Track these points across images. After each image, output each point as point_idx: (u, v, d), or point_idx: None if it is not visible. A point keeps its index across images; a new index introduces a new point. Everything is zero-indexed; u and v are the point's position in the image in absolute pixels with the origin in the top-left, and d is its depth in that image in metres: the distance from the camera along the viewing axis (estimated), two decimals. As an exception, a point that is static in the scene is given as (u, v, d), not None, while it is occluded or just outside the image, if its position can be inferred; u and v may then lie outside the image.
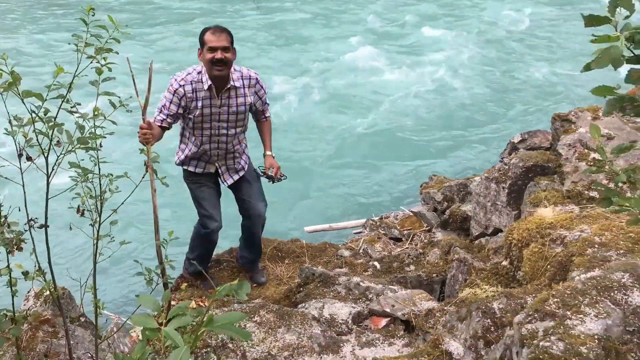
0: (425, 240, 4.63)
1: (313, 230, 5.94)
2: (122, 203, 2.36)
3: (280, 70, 10.77)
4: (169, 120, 3.56)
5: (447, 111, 9.30)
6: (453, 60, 11.15)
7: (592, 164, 3.20)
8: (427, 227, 4.95)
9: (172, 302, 3.56)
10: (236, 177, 3.90)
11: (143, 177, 2.32)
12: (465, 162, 7.83)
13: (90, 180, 2.26)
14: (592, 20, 1.51)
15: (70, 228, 2.59)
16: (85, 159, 2.15)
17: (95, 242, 2.36)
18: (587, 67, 1.60)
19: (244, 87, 3.64)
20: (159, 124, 3.52)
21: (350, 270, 4.19)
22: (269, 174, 3.84)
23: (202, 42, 3.49)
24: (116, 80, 2.07)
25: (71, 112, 2.13)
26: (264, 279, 4.19)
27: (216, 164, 3.82)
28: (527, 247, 3.09)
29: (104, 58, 1.98)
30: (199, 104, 3.55)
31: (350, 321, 3.41)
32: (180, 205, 5.96)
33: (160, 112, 3.57)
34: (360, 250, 4.69)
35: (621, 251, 2.44)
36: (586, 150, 3.23)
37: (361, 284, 3.72)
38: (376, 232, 5.06)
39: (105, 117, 2.11)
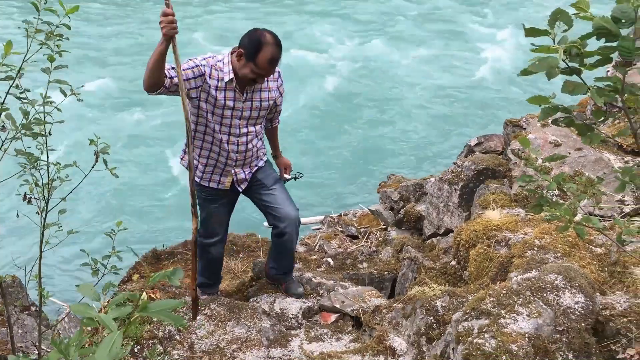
0: (380, 239, 4.71)
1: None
2: (71, 192, 2.35)
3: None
4: (174, 78, 2.84)
5: (412, 112, 9.43)
6: (419, 60, 11.30)
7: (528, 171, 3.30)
8: (383, 225, 5.02)
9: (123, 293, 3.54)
10: (249, 173, 3.36)
11: (92, 167, 2.31)
12: (428, 162, 7.98)
13: (38, 168, 2.24)
14: (531, 32, 1.58)
15: (17, 215, 2.56)
16: (32, 147, 2.13)
17: (42, 231, 2.34)
18: (524, 72, 1.67)
19: (268, 81, 3.17)
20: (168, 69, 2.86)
21: (304, 266, 4.23)
22: (286, 176, 3.60)
23: (253, 59, 2.92)
24: (69, 68, 2.06)
25: (19, 98, 2.11)
26: (301, 289, 3.68)
27: (233, 171, 3.29)
28: (473, 248, 3.18)
29: (57, 45, 1.96)
30: (220, 94, 3.03)
31: (300, 316, 3.46)
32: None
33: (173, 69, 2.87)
34: (316, 247, 4.74)
35: (558, 254, 2.54)
36: (533, 156, 3.33)
37: (313, 279, 3.76)
38: (334, 229, 5.12)
39: (54, 106, 2.09)
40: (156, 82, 2.79)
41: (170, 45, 2.61)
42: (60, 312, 4.27)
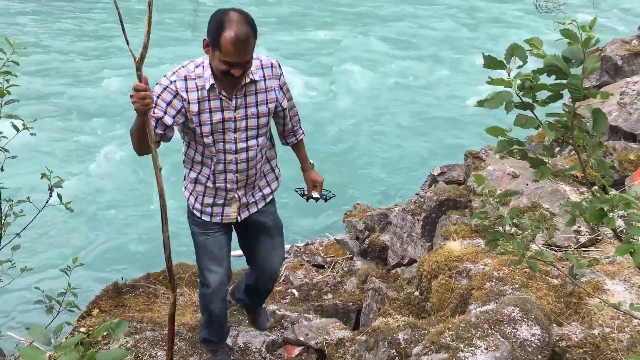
0: (345, 269, 4.70)
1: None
2: (24, 228, 2.30)
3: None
4: (157, 130, 2.51)
5: (379, 137, 9.53)
6: (382, 81, 11.46)
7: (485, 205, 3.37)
8: (349, 254, 5.03)
9: (82, 329, 3.45)
10: (254, 209, 2.89)
11: (46, 203, 2.27)
12: (394, 191, 8.04)
13: (-10, 204, 2.20)
14: (489, 62, 1.62)
15: (-30, 251, 2.50)
16: (-16, 183, 2.09)
17: (-6, 267, 2.29)
18: (480, 104, 1.71)
19: (264, 79, 2.63)
20: None
21: (269, 298, 4.19)
22: (314, 195, 3.02)
23: (216, 44, 2.36)
24: (19, 102, 2.04)
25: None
26: (269, 323, 3.49)
27: (236, 195, 2.78)
28: (435, 279, 3.20)
29: (6, 80, 1.95)
30: (204, 106, 2.52)
31: (264, 350, 3.41)
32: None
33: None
34: (282, 278, 4.71)
35: (516, 285, 2.58)
36: (489, 192, 3.39)
37: (277, 312, 3.73)
38: (300, 259, 5.10)
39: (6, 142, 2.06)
40: (147, 150, 2.39)
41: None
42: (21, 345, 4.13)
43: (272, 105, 2.67)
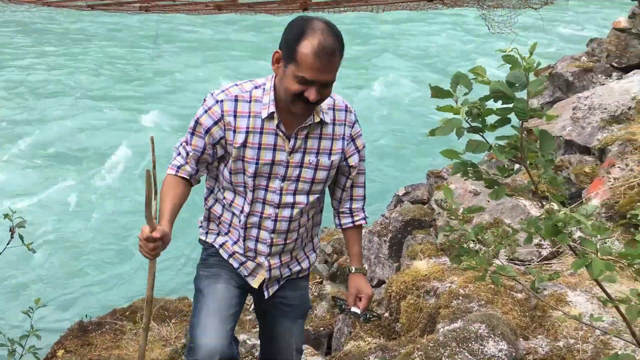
0: (315, 293, 4.70)
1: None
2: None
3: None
4: (190, 168, 2.06)
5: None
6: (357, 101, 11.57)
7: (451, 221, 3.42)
8: (318, 279, 5.02)
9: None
10: (287, 272, 2.27)
11: (7, 245, 2.23)
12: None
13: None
14: (436, 92, 1.68)
15: None
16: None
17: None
18: (432, 133, 1.76)
19: (334, 124, 2.09)
20: (175, 173, 2.06)
21: (239, 327, 4.15)
22: (353, 310, 2.22)
23: (292, 56, 1.86)
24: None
25: None
26: None
27: (266, 263, 2.18)
28: (404, 299, 3.23)
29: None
30: (252, 140, 2.00)
31: (236, 381, 3.37)
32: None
33: (178, 154, 2.09)
34: (251, 307, 4.67)
35: (482, 302, 2.62)
36: (454, 207, 3.45)
37: (248, 341, 3.69)
38: (269, 286, 5.08)
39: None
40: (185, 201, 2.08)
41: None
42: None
43: (336, 158, 2.09)
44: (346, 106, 2.14)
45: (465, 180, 3.80)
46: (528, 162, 1.72)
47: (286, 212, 2.09)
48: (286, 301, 2.29)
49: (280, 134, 2.00)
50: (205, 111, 2.00)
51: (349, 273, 2.27)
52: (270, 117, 1.98)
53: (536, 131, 1.60)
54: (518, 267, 3.05)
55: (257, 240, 2.13)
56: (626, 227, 3.25)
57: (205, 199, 2.22)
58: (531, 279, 2.31)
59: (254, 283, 2.20)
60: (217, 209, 2.19)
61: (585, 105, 4.60)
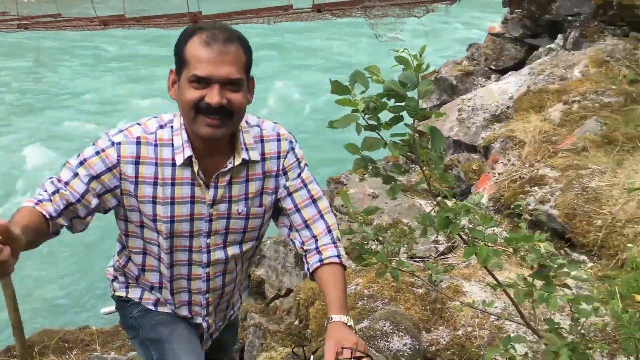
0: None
1: (109, 311, 5.60)
2: None
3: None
4: (53, 207, 1.54)
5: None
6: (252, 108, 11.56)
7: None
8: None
9: None
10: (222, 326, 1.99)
11: None
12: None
13: None
14: (336, 87, 1.73)
15: None
16: None
17: None
18: (331, 125, 1.81)
19: (264, 160, 1.72)
20: (34, 205, 1.53)
21: (147, 351, 4.02)
22: None
23: (182, 61, 1.56)
24: None
25: None
26: None
27: (204, 324, 1.87)
28: (312, 305, 3.27)
29: None
30: (163, 194, 1.63)
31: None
32: None
33: (44, 190, 1.58)
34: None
35: (386, 300, 2.71)
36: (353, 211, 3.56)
37: (157, 364, 3.59)
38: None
39: None
40: (40, 241, 1.54)
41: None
42: None
43: (268, 202, 1.73)
44: (278, 135, 1.72)
45: (362, 178, 3.93)
46: (420, 159, 1.82)
47: (218, 268, 1.74)
48: (221, 342, 2.08)
49: (200, 182, 1.62)
50: (97, 153, 1.58)
51: (329, 322, 1.67)
52: (186, 163, 1.59)
53: (425, 127, 1.69)
54: (418, 263, 3.19)
55: (189, 305, 1.80)
56: (512, 219, 3.50)
57: (118, 254, 1.85)
58: (429, 273, 2.43)
59: (197, 319, 1.88)
60: (133, 269, 1.82)
61: (469, 106, 4.90)
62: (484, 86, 5.44)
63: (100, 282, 6.38)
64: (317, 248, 1.74)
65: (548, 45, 5.33)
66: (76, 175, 1.59)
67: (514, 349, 1.79)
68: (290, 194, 1.76)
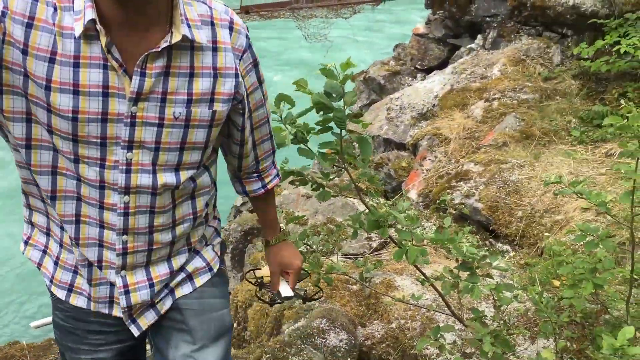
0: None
1: (41, 324, 5.41)
2: None
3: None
4: None
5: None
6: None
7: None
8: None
9: None
10: (168, 302, 1.38)
11: None
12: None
13: None
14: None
15: None
16: None
17: None
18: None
19: (216, 49, 1.25)
20: None
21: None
22: (283, 292, 1.61)
23: None
24: None
25: None
26: None
27: (119, 281, 1.30)
28: (250, 307, 3.30)
29: None
30: (63, 75, 1.13)
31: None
32: None
33: None
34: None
35: (322, 298, 2.78)
36: (291, 211, 3.62)
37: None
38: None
39: None
40: None
41: None
42: None
43: (221, 107, 1.27)
44: (231, 21, 1.27)
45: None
46: (348, 163, 1.90)
47: (144, 200, 1.25)
48: (179, 322, 1.40)
49: (114, 64, 1.14)
50: None
51: (266, 247, 1.60)
52: (89, 32, 1.12)
53: (354, 137, 1.76)
54: (352, 260, 3.28)
55: (100, 245, 1.28)
56: (440, 213, 3.65)
57: (25, 201, 1.35)
58: (362, 271, 2.52)
59: (115, 312, 1.34)
60: (33, 201, 1.33)
61: (397, 105, 5.05)
62: (410, 85, 5.61)
63: (27, 290, 6.15)
64: (258, 174, 1.53)
65: (469, 45, 5.56)
66: None
67: (444, 338, 1.89)
68: (249, 114, 1.38)
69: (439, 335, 1.83)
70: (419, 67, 6.10)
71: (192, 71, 1.22)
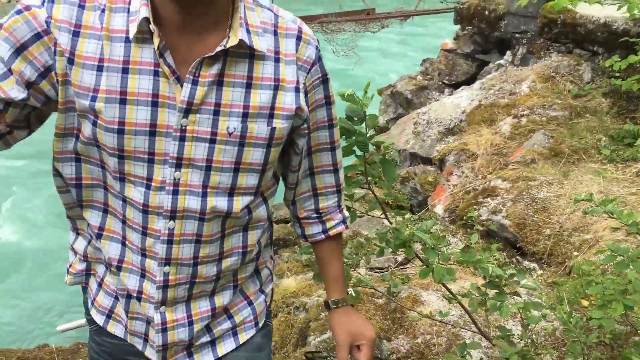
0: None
1: (67, 328, 5.51)
2: None
3: None
4: None
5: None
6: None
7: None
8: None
9: None
10: (208, 357, 1.25)
11: None
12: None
13: None
14: None
15: None
16: None
17: None
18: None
19: (277, 60, 1.11)
20: None
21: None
22: None
23: None
24: None
25: None
26: None
27: (157, 317, 1.17)
28: (275, 318, 3.33)
29: None
30: (108, 83, 1.03)
31: None
32: None
33: None
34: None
35: (348, 311, 2.80)
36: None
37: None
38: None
39: None
40: None
41: None
42: None
43: (282, 124, 1.12)
44: (300, 30, 1.14)
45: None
46: (372, 188, 1.91)
47: (191, 227, 1.12)
48: None
49: (165, 70, 1.04)
50: (20, 12, 1.01)
51: (329, 310, 1.37)
52: (144, 36, 1.02)
53: (377, 157, 1.77)
54: (377, 274, 3.29)
55: (142, 275, 1.16)
56: (466, 229, 3.64)
57: (72, 226, 1.27)
58: (388, 285, 2.53)
59: (148, 353, 1.23)
60: (77, 223, 1.25)
61: (424, 119, 5.07)
62: (437, 100, 5.62)
63: (58, 297, 6.26)
64: (319, 214, 1.31)
65: (497, 61, 5.56)
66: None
67: (470, 356, 1.89)
68: (307, 132, 1.21)
69: (465, 353, 1.83)
70: (446, 82, 6.11)
71: (249, 81, 1.08)
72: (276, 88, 1.10)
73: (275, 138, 1.12)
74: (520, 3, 3.97)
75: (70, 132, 1.09)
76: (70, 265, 1.28)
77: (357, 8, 9.36)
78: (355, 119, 1.66)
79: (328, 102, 1.22)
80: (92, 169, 1.13)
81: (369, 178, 1.80)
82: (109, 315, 1.25)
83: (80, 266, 1.26)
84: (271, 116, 1.10)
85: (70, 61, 1.03)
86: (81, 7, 1.03)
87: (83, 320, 5.55)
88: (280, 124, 1.11)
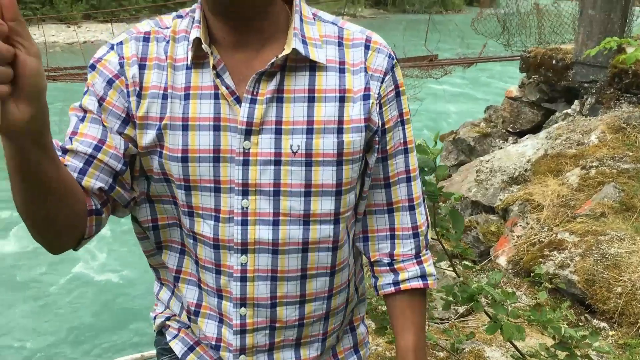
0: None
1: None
2: None
3: None
4: (74, 162, 0.97)
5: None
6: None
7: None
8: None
9: None
10: None
11: None
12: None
13: None
14: None
15: None
16: None
17: None
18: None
19: (341, 71, 1.01)
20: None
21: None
22: None
23: None
24: None
25: None
26: None
27: (231, 347, 1.07)
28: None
29: None
30: (172, 110, 1.00)
31: None
32: None
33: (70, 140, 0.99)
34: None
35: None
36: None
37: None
38: None
39: None
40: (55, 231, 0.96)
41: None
42: None
43: (352, 137, 1.01)
44: (368, 39, 1.05)
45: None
46: (441, 240, 1.90)
47: (264, 261, 1.02)
48: None
49: (224, 92, 0.99)
50: (93, 67, 1.01)
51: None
52: (199, 58, 0.99)
53: (446, 210, 1.77)
54: (438, 325, 3.22)
55: (220, 319, 1.08)
56: (531, 282, 3.53)
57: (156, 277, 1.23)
58: (450, 338, 2.48)
59: None
60: (161, 273, 1.18)
61: (487, 168, 5.00)
62: (501, 148, 5.55)
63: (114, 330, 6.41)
64: (390, 260, 1.12)
65: (565, 110, 5.45)
66: (83, 114, 1.01)
67: (538, 420, 1.82)
68: (382, 157, 1.08)
69: (533, 416, 1.76)
70: (510, 130, 6.04)
71: (311, 95, 1.00)
72: (342, 100, 1.01)
73: (345, 154, 1.00)
74: (590, 52, 3.92)
75: (143, 173, 1.05)
76: (157, 315, 1.22)
77: (418, 54, 9.43)
78: (425, 169, 1.67)
79: (403, 120, 1.08)
80: (166, 207, 1.06)
81: (437, 229, 1.79)
82: (192, 348, 1.16)
83: (165, 315, 1.21)
84: (339, 131, 1.00)
85: (139, 95, 1.00)
86: (145, 40, 1.02)
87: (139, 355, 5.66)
88: (349, 137, 1.00)
